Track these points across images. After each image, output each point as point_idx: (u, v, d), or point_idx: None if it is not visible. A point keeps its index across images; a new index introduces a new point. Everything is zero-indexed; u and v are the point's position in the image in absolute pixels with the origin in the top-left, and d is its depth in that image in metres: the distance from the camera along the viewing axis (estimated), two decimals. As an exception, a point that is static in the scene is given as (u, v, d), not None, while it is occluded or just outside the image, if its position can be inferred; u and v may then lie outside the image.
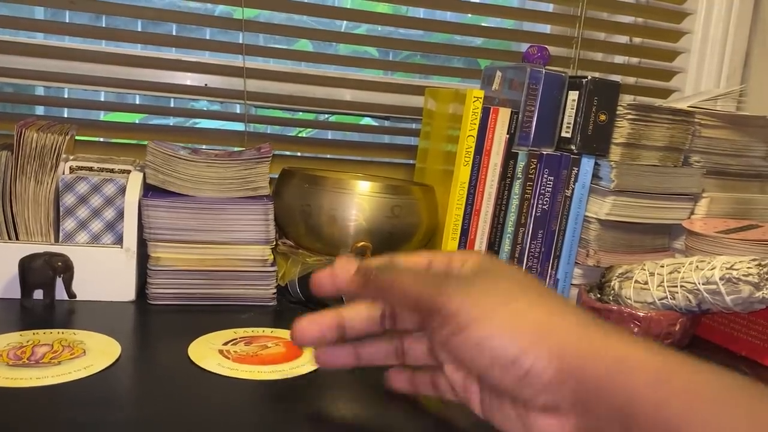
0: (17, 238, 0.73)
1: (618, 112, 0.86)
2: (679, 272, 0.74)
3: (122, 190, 0.74)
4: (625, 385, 0.30)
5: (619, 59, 1.15)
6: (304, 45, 1.22)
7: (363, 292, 0.43)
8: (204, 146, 0.98)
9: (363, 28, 1.11)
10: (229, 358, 0.59)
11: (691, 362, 0.31)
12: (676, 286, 0.73)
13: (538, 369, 0.32)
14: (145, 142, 0.77)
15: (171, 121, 1.30)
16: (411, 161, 1.00)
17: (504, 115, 0.81)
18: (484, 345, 0.33)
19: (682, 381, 0.30)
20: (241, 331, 0.67)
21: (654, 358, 0.31)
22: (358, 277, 0.42)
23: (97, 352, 0.58)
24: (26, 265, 0.69)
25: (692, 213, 0.92)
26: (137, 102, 1.02)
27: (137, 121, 1.11)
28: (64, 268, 0.70)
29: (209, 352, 0.60)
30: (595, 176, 0.87)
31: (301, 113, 1.09)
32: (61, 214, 0.74)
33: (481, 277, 0.37)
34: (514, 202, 0.85)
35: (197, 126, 1.30)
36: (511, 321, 0.34)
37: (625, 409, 0.30)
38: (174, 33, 1.08)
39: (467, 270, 0.39)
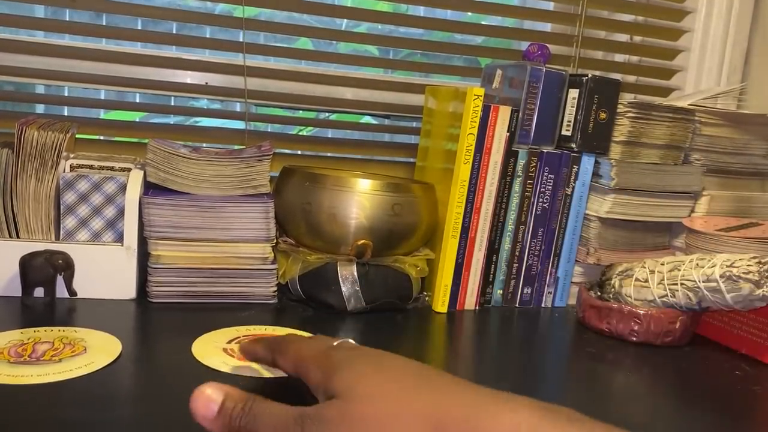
0: (18, 236, 0.73)
1: (618, 111, 0.86)
2: (680, 270, 0.74)
3: (123, 188, 0.74)
4: None
5: (619, 57, 1.15)
6: (305, 43, 1.22)
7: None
8: (204, 144, 0.98)
9: (363, 27, 1.11)
10: (233, 356, 0.59)
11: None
12: (677, 284, 0.73)
13: None
14: (146, 141, 0.77)
15: (171, 119, 1.30)
16: (411, 159, 1.00)
17: (504, 113, 0.81)
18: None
19: None
20: (244, 329, 0.67)
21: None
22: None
23: (97, 350, 0.58)
24: (27, 263, 0.69)
25: (692, 211, 0.92)
26: (138, 100, 1.02)
27: (138, 120, 1.11)
28: (65, 265, 0.70)
29: (213, 350, 0.60)
30: (596, 174, 0.87)
31: (301, 111, 1.09)
32: (61, 212, 0.74)
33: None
34: (515, 200, 0.85)
35: (198, 124, 1.30)
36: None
37: None
38: (174, 31, 1.08)
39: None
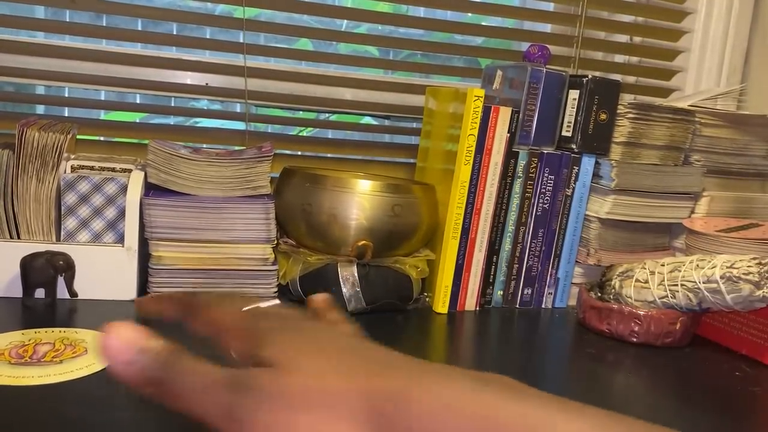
0: (19, 237, 0.73)
1: (618, 111, 0.86)
2: (680, 271, 0.74)
3: (123, 189, 0.74)
4: None
5: (619, 58, 1.15)
6: (305, 44, 1.22)
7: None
8: (205, 145, 0.98)
9: (363, 28, 1.11)
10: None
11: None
12: (677, 285, 0.73)
13: None
14: (146, 141, 0.77)
15: (172, 120, 1.30)
16: (412, 160, 1.00)
17: (504, 114, 0.81)
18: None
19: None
20: None
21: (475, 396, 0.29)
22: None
23: (98, 351, 0.58)
24: (28, 264, 0.69)
25: (693, 212, 0.92)
26: (138, 101, 1.02)
27: (138, 120, 1.11)
28: (66, 266, 0.70)
29: None
30: (596, 175, 0.88)
31: (301, 112, 1.09)
32: (62, 213, 0.74)
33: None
34: (515, 201, 0.85)
35: (198, 125, 1.30)
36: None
37: None
38: (175, 32, 1.08)
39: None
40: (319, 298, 0.43)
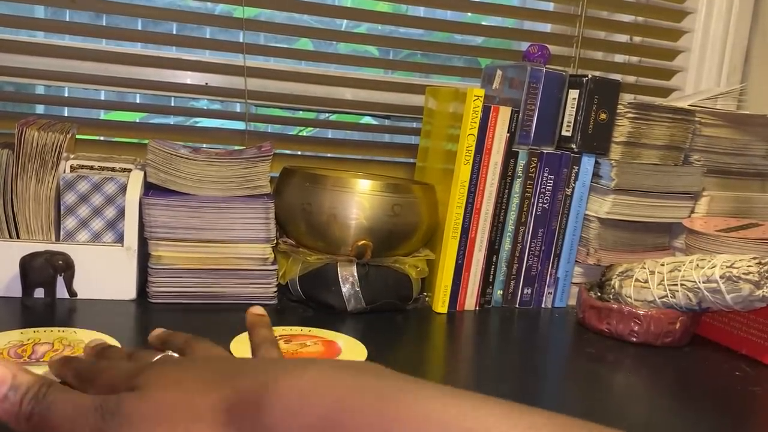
0: (18, 237, 0.73)
1: (618, 111, 0.86)
2: (680, 271, 0.74)
3: (123, 189, 0.74)
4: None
5: (619, 58, 1.15)
6: (305, 44, 1.22)
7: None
8: (205, 145, 0.98)
9: (363, 27, 1.11)
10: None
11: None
12: (677, 285, 0.73)
13: None
14: (146, 141, 0.77)
15: (172, 119, 1.30)
16: (411, 160, 1.00)
17: (504, 113, 0.81)
18: None
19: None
20: (280, 329, 0.67)
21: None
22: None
23: None
24: (27, 264, 0.69)
25: (692, 211, 0.92)
26: (138, 101, 1.02)
27: (138, 120, 1.11)
28: (65, 266, 0.70)
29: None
30: (596, 175, 0.88)
31: (301, 112, 1.09)
32: (62, 212, 0.74)
33: None
34: (515, 201, 0.85)
35: (198, 125, 1.30)
36: None
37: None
38: (174, 32, 1.08)
39: None
40: (256, 311, 0.47)
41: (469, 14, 1.14)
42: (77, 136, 0.85)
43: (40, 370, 0.53)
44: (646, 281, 0.76)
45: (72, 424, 0.32)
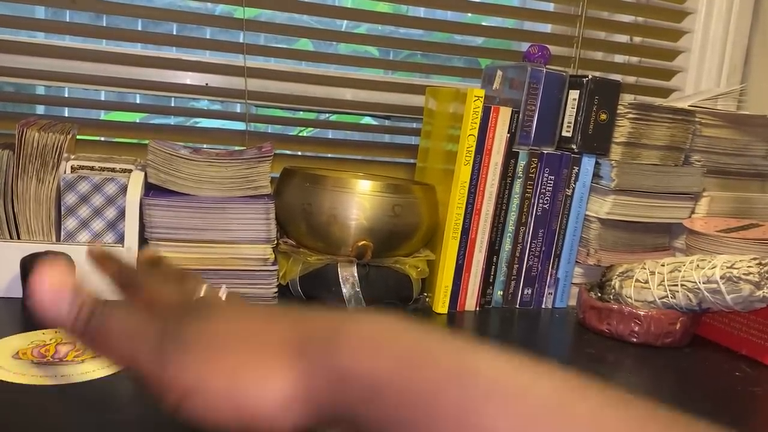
0: (19, 238, 0.73)
1: (618, 112, 0.86)
2: (680, 271, 0.74)
3: (123, 190, 0.74)
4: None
5: (619, 58, 1.15)
6: (305, 44, 1.22)
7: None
8: (205, 145, 0.98)
9: (363, 28, 1.11)
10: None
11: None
12: (677, 285, 0.73)
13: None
14: (146, 142, 0.77)
15: (172, 120, 1.30)
16: (412, 160, 1.00)
17: (505, 114, 0.81)
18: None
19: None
20: None
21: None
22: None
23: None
24: (28, 265, 0.69)
25: (693, 212, 0.92)
26: (138, 101, 1.02)
27: (138, 121, 1.11)
28: (66, 267, 0.70)
29: None
30: (596, 175, 0.88)
31: (301, 112, 1.09)
32: (62, 213, 0.74)
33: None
34: (515, 202, 0.85)
35: (198, 125, 1.30)
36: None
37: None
38: (175, 32, 1.08)
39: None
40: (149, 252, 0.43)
41: (470, 15, 1.14)
42: (78, 137, 0.85)
43: (64, 370, 0.53)
44: (647, 282, 0.76)
45: (130, 341, 0.31)
